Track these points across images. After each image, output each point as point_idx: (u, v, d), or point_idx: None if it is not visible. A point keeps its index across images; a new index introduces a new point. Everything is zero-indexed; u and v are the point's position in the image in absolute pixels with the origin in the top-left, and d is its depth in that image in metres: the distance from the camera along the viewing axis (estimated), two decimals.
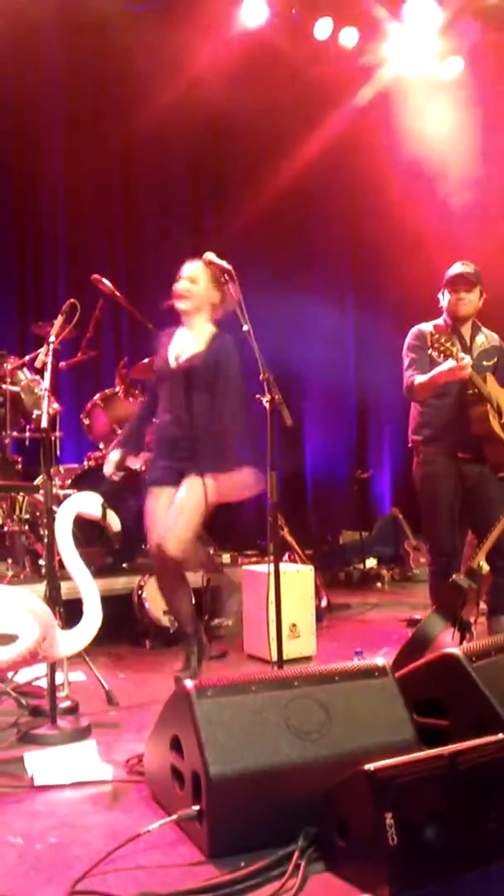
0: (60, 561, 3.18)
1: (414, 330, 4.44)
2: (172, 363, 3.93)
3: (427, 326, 4.35)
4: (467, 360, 4.05)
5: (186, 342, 3.95)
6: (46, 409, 3.54)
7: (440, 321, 4.47)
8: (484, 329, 4.53)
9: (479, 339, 4.47)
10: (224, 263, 3.70)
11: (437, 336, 4.02)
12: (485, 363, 4.41)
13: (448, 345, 4.00)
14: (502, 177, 7.30)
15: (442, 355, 4.02)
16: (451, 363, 4.02)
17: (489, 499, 4.28)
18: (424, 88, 7.52)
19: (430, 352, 4.06)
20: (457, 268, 4.40)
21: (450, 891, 2.00)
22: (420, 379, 4.27)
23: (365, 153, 7.83)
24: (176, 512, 3.79)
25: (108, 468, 4.11)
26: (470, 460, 4.34)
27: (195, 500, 3.77)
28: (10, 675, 3.70)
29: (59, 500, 3.72)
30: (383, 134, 7.67)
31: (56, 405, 5.20)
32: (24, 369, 5.23)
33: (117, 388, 5.67)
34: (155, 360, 4.15)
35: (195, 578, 4.59)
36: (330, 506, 8.29)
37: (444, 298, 4.43)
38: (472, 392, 4.23)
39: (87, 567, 3.16)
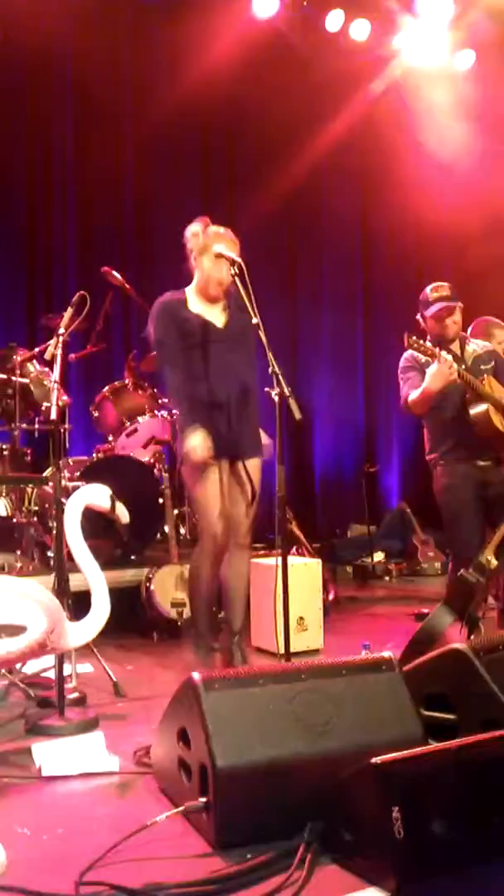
0: (69, 553, 3.19)
1: (406, 354, 4.37)
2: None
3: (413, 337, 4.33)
4: (449, 356, 4.05)
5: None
6: (56, 402, 3.55)
7: (427, 343, 4.44)
8: (473, 340, 4.53)
9: (470, 348, 4.46)
10: (235, 256, 3.69)
11: (417, 339, 4.03)
12: (482, 367, 4.39)
13: (429, 347, 4.04)
14: None
15: (424, 356, 4.04)
16: (435, 366, 4.03)
17: None
18: (436, 80, 7.49)
19: (411, 353, 4.07)
20: (435, 295, 4.34)
21: (456, 884, 2.00)
22: (414, 394, 4.23)
23: (376, 145, 7.82)
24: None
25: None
26: (492, 466, 4.30)
27: None
28: (18, 666, 3.71)
29: (67, 492, 3.72)
30: (395, 127, 7.64)
31: (65, 397, 5.21)
32: (34, 361, 5.24)
33: (126, 381, 5.68)
34: None
35: None
36: (338, 499, 8.29)
37: (427, 324, 4.39)
38: (470, 394, 4.20)
39: (95, 559, 3.16)
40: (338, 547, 7.49)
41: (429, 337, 4.41)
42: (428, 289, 4.41)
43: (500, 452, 4.27)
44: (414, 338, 4.08)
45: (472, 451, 4.28)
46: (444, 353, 4.08)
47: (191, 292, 3.94)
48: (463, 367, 4.25)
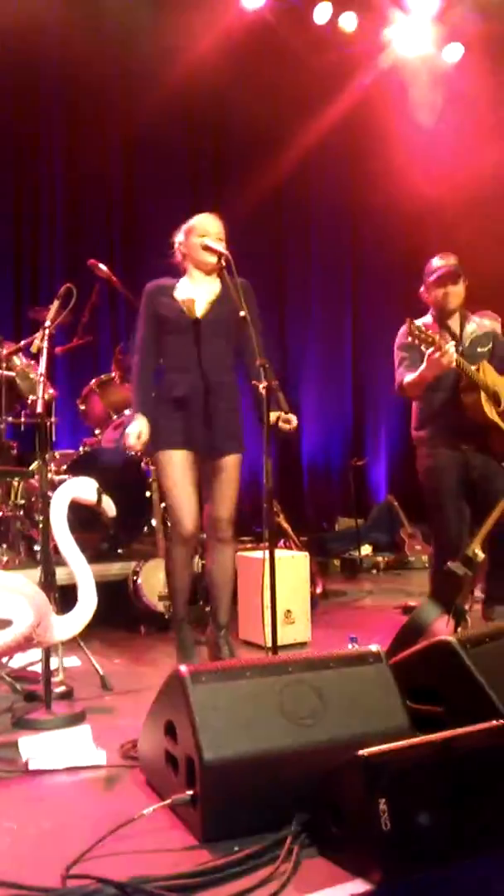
0: (55, 546, 3.18)
1: (403, 328, 4.37)
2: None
3: (419, 322, 4.30)
4: (450, 346, 4.01)
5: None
6: (42, 395, 3.53)
7: (427, 318, 4.44)
8: (474, 317, 4.51)
9: (470, 327, 4.45)
10: (222, 248, 3.69)
11: (418, 326, 4.01)
12: (479, 350, 4.39)
13: (430, 332, 4.00)
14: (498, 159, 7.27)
15: (424, 344, 4.00)
16: (435, 353, 3.99)
17: (497, 490, 4.22)
18: (425, 73, 7.49)
19: (412, 340, 4.04)
20: (440, 262, 4.38)
21: (442, 877, 2.00)
22: (409, 377, 4.23)
23: (365, 138, 7.82)
24: None
25: None
26: (475, 450, 4.31)
27: None
28: (4, 659, 3.70)
29: (54, 486, 3.71)
30: (383, 119, 7.64)
31: (52, 390, 5.19)
32: (20, 354, 5.21)
33: (113, 374, 5.66)
34: None
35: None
36: (326, 493, 8.30)
37: (431, 294, 4.41)
38: (464, 381, 4.21)
39: (81, 552, 3.16)
40: (325, 540, 7.50)
41: (430, 311, 4.41)
42: (434, 258, 4.43)
43: (487, 440, 4.28)
44: (416, 323, 4.05)
45: (458, 434, 4.30)
46: (444, 342, 4.04)
47: (183, 280, 3.92)
48: (460, 348, 4.24)
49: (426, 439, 4.41)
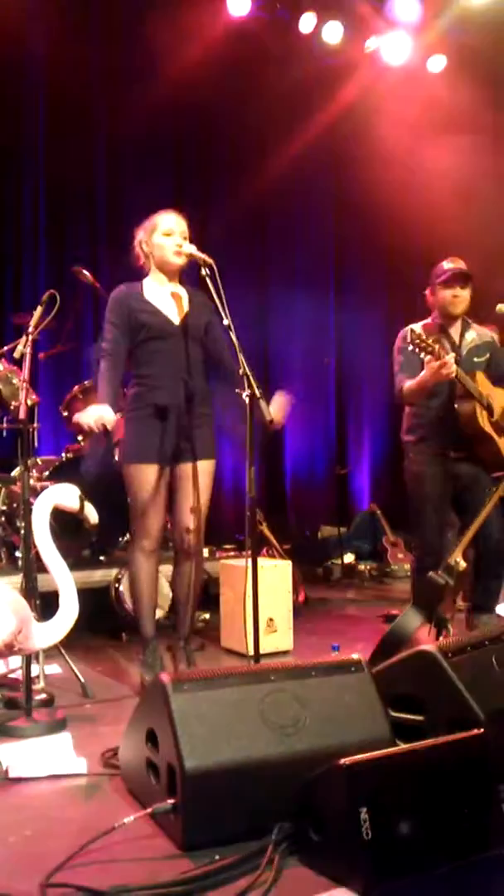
0: (37, 553, 3.17)
1: (403, 331, 4.36)
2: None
3: (416, 327, 4.31)
4: (451, 358, 4.00)
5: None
6: (25, 400, 3.52)
7: (428, 320, 4.45)
8: (475, 325, 4.50)
9: (469, 335, 4.44)
10: (206, 256, 3.66)
11: (419, 334, 3.99)
12: (475, 360, 4.39)
13: (430, 342, 3.97)
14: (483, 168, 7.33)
15: (424, 353, 3.98)
16: (434, 363, 3.98)
17: (481, 500, 4.17)
18: (408, 84, 7.55)
19: (412, 349, 4.03)
20: (450, 265, 4.36)
21: (423, 885, 2.01)
22: (409, 384, 4.23)
23: (348, 147, 7.85)
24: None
25: None
26: (463, 459, 4.32)
27: None
28: None
29: (36, 492, 3.69)
30: (367, 129, 7.68)
31: (34, 396, 5.17)
32: (2, 359, 5.19)
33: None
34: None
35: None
36: (309, 501, 8.31)
37: (437, 296, 4.39)
38: (461, 390, 4.21)
39: (63, 559, 3.15)
40: (308, 548, 7.51)
41: (434, 314, 4.41)
42: (443, 260, 4.41)
43: (476, 450, 4.29)
44: (417, 332, 4.01)
45: (449, 442, 4.30)
46: (444, 353, 4.02)
47: (148, 282, 3.81)
48: (458, 357, 4.24)
49: (415, 444, 4.41)
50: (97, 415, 3.51)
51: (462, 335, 4.43)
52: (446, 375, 4.00)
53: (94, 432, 3.60)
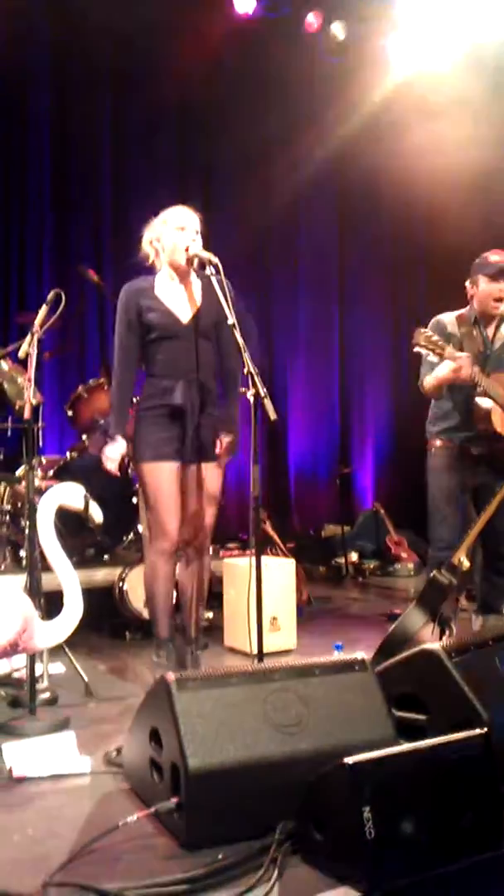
0: (41, 552, 3.17)
1: (433, 321, 4.28)
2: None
3: (448, 317, 4.25)
4: (464, 357, 3.94)
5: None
6: (30, 400, 3.53)
7: (464, 310, 4.33)
8: None
9: None
10: (211, 256, 3.64)
11: (427, 335, 3.92)
12: None
13: (439, 343, 3.91)
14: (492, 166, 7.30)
15: (432, 354, 3.93)
16: (449, 363, 3.93)
17: (490, 500, 4.06)
18: (417, 82, 7.51)
19: (423, 349, 4.00)
20: (497, 258, 4.20)
21: (426, 884, 2.01)
22: (429, 380, 4.17)
23: (356, 149, 7.84)
24: None
25: None
26: (482, 456, 4.29)
27: None
28: None
29: (40, 492, 3.70)
30: (375, 130, 7.67)
31: (39, 395, 5.18)
32: (7, 358, 5.20)
33: (101, 379, 5.65)
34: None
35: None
36: (312, 500, 8.31)
37: (478, 288, 4.25)
38: (480, 388, 4.16)
39: (68, 559, 3.15)
40: (311, 547, 7.51)
41: (474, 305, 4.28)
42: (488, 252, 4.27)
43: (494, 448, 4.23)
44: (424, 332, 3.93)
45: (469, 438, 4.23)
46: (457, 353, 3.96)
47: (160, 277, 3.77)
48: (487, 352, 4.20)
49: (437, 436, 4.36)
50: (117, 458, 3.76)
51: (497, 329, 4.32)
52: (465, 378, 3.96)
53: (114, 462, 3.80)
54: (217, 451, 3.79)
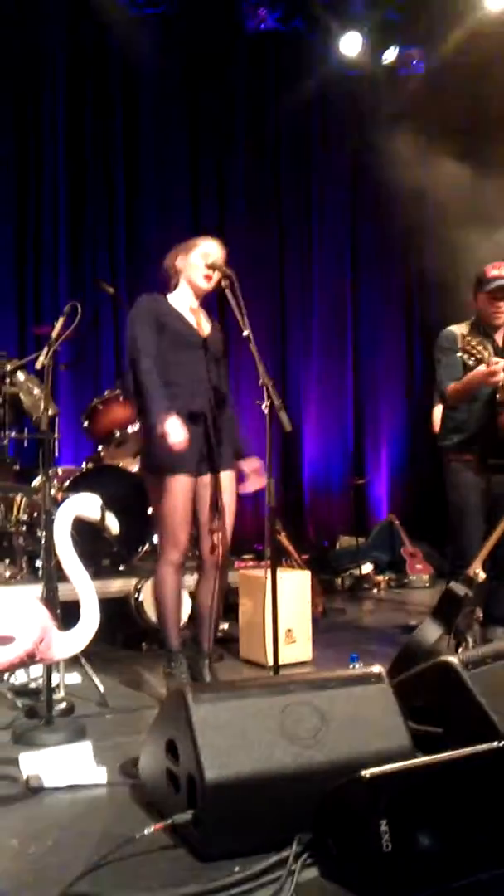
0: (58, 562, 3.18)
1: (444, 331, 4.31)
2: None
3: (457, 328, 4.26)
4: (501, 363, 3.92)
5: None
6: (46, 411, 3.55)
7: (472, 320, 4.36)
8: None
9: None
10: (226, 269, 3.68)
11: (468, 339, 3.91)
12: None
13: (480, 348, 3.90)
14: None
15: (473, 359, 3.91)
16: (481, 368, 3.91)
17: None
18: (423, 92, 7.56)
19: (459, 355, 3.96)
20: (493, 273, 4.24)
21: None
22: (454, 385, 4.19)
23: (369, 159, 7.90)
24: None
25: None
26: (500, 467, 4.26)
27: None
28: (6, 676, 3.70)
29: (56, 503, 3.71)
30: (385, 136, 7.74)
31: (55, 407, 5.21)
32: (24, 370, 5.24)
33: (117, 391, 5.68)
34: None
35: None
36: (327, 511, 8.30)
37: (479, 304, 4.30)
38: (501, 396, 4.15)
39: (84, 569, 3.16)
40: (326, 559, 7.50)
41: (475, 316, 4.33)
42: (488, 266, 4.30)
43: None
44: (468, 338, 3.93)
45: (485, 449, 4.22)
46: (497, 358, 3.95)
47: (173, 296, 3.82)
48: (502, 362, 4.21)
49: (452, 450, 4.34)
50: (173, 431, 3.44)
51: None
52: (494, 383, 3.96)
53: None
54: (238, 468, 3.82)
